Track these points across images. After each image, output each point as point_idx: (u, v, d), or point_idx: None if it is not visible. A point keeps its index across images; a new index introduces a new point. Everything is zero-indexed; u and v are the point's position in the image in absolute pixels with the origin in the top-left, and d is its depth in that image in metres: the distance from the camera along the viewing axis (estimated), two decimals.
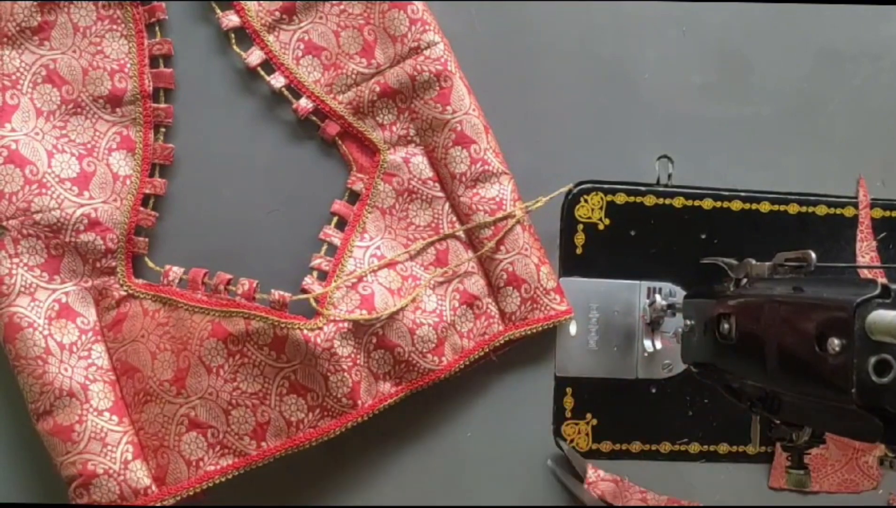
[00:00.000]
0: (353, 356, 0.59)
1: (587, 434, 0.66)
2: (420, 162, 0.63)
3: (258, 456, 0.59)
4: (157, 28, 0.61)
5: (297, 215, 0.63)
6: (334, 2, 0.62)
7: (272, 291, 0.59)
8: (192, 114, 0.62)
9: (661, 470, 0.67)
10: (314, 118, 0.63)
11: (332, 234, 0.62)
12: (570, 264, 0.66)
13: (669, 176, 0.67)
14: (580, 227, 0.65)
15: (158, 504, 0.58)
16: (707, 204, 0.67)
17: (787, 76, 0.68)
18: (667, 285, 0.66)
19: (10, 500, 0.62)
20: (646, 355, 0.66)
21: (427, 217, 0.63)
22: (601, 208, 0.66)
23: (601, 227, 0.66)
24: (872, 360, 0.40)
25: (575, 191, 0.65)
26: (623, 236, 0.66)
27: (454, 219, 0.63)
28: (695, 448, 0.67)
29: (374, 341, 0.60)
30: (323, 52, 0.62)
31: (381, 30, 0.62)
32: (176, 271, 0.61)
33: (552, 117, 0.65)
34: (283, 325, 0.58)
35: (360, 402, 0.59)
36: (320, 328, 0.58)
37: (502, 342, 0.63)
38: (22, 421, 0.60)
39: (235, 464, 0.59)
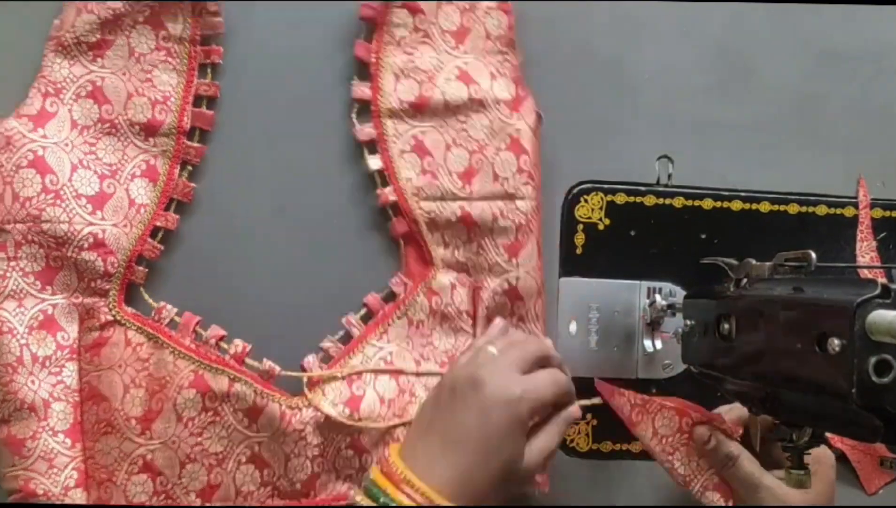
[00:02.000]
0: (321, 446, 0.59)
1: (587, 434, 0.66)
2: (463, 294, 0.63)
3: None
4: (209, 69, 0.62)
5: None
6: (460, 118, 0.62)
7: (264, 359, 0.59)
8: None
9: (661, 470, 0.67)
10: (389, 210, 0.63)
11: (353, 324, 0.62)
12: (570, 264, 0.66)
13: (669, 176, 0.67)
14: (580, 227, 0.65)
15: None
16: (707, 204, 0.67)
17: (787, 76, 0.68)
18: (667, 285, 0.66)
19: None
20: (646, 355, 0.66)
21: (448, 344, 0.62)
22: (601, 208, 0.66)
23: (601, 227, 0.66)
24: (872, 360, 0.40)
25: (575, 191, 0.65)
26: (623, 236, 0.66)
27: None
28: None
29: (348, 440, 0.60)
30: (427, 157, 0.62)
31: (489, 164, 0.62)
32: (169, 310, 0.60)
33: (552, 117, 0.65)
34: (264, 395, 0.58)
35: (312, 493, 0.59)
36: (299, 409, 0.59)
37: None
38: None
39: None
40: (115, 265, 0.59)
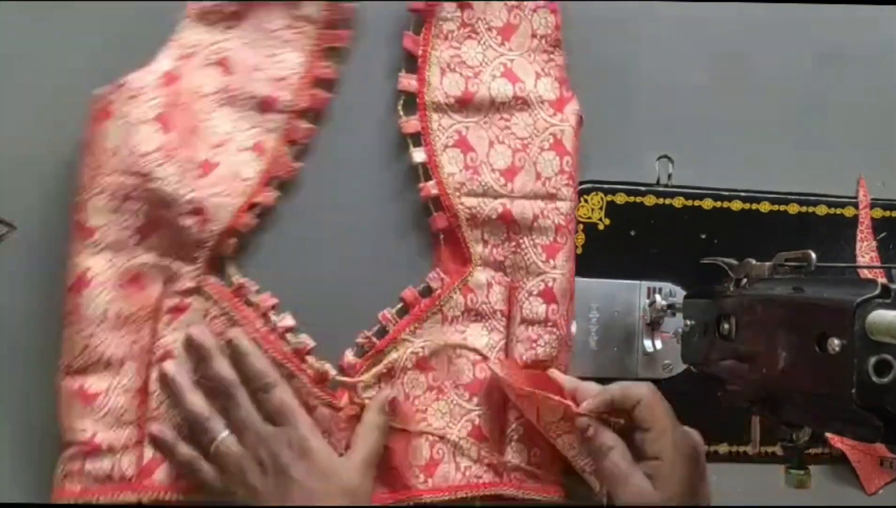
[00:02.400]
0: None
1: None
2: (499, 293, 0.63)
3: None
4: (332, 53, 0.62)
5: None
6: (504, 116, 0.62)
7: (324, 362, 0.60)
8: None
9: None
10: (430, 205, 0.63)
11: (389, 318, 0.62)
12: None
13: (669, 176, 0.67)
14: (580, 227, 0.65)
15: (134, 498, 0.57)
16: (707, 204, 0.67)
17: (787, 76, 0.68)
18: (667, 285, 0.66)
19: (9, 500, 0.62)
20: (646, 355, 0.66)
21: (481, 342, 0.62)
22: (601, 208, 0.66)
23: (601, 227, 0.66)
24: (872, 360, 0.40)
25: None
26: (623, 236, 0.66)
27: (502, 356, 0.62)
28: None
29: None
30: (471, 152, 0.62)
31: (531, 162, 0.62)
32: (249, 287, 0.61)
33: None
34: (315, 398, 0.59)
35: None
36: (342, 410, 0.60)
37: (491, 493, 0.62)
38: (24, 420, 0.60)
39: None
40: (210, 235, 0.59)
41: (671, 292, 0.66)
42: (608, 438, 0.56)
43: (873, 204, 0.69)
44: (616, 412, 0.57)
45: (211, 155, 0.59)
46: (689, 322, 0.59)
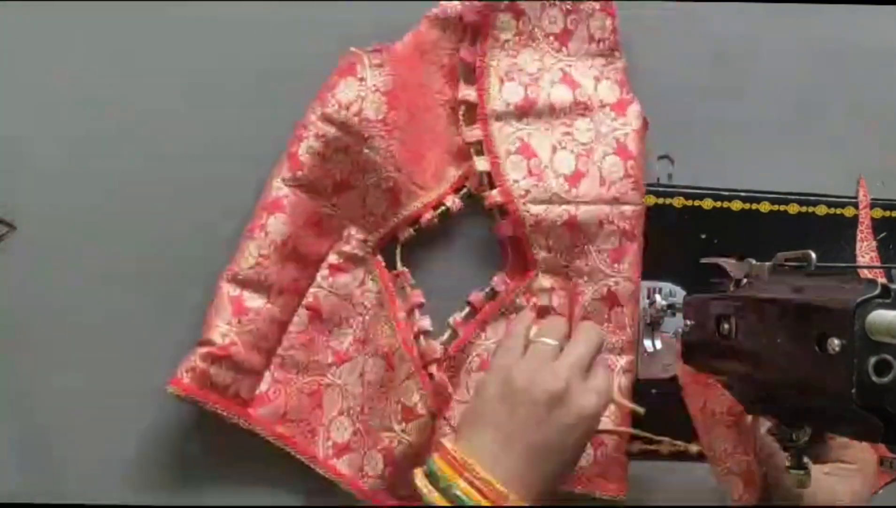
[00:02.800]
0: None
1: None
2: (561, 299, 0.63)
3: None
4: None
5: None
6: (565, 121, 0.62)
7: (443, 376, 0.62)
8: None
9: (661, 470, 0.67)
10: (496, 212, 0.63)
11: (460, 323, 0.63)
12: None
13: (669, 176, 0.67)
14: None
15: (235, 419, 0.59)
16: (707, 204, 0.67)
17: (787, 76, 0.68)
18: (667, 285, 0.66)
19: (9, 500, 0.62)
20: (646, 355, 0.66)
21: None
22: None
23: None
24: (872, 360, 0.40)
25: None
26: None
27: None
28: (695, 447, 0.67)
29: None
30: (534, 158, 0.62)
31: (596, 167, 0.62)
32: (406, 278, 0.63)
33: None
34: (425, 404, 0.61)
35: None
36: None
37: None
38: (24, 420, 0.60)
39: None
40: (393, 216, 0.62)
41: (671, 292, 0.66)
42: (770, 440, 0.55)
43: (873, 204, 0.69)
44: None
45: (422, 145, 0.62)
46: (689, 322, 0.58)
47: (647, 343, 0.65)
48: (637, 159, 0.62)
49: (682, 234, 0.67)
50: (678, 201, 0.67)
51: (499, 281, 0.64)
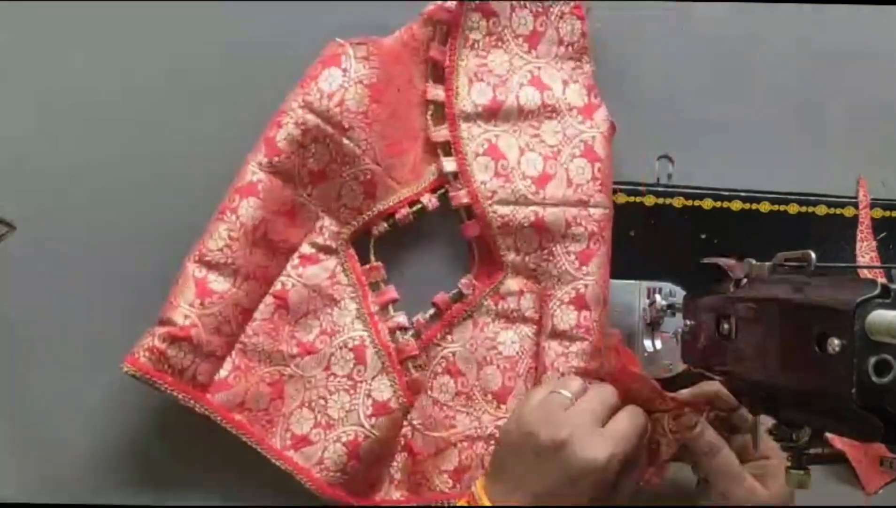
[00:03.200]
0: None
1: None
2: (530, 300, 0.63)
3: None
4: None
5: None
6: (533, 123, 0.62)
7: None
8: None
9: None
10: (462, 212, 0.63)
11: (423, 324, 0.63)
12: None
13: (669, 176, 0.67)
14: None
15: (189, 403, 0.58)
16: (707, 204, 0.67)
17: (787, 76, 0.68)
18: (667, 285, 0.66)
19: (9, 500, 0.62)
20: (646, 355, 0.66)
21: (512, 350, 0.63)
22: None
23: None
24: (872, 360, 0.39)
25: None
26: (623, 236, 0.66)
27: (532, 365, 0.63)
28: None
29: (402, 442, 0.62)
30: (501, 160, 0.62)
31: (564, 170, 0.62)
32: (380, 273, 0.63)
33: None
34: (400, 402, 0.61)
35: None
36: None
37: None
38: (24, 420, 0.60)
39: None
40: (366, 210, 0.62)
41: (671, 292, 0.66)
42: (715, 437, 0.55)
43: (873, 204, 0.69)
44: (714, 407, 0.57)
45: (403, 140, 0.61)
46: (689, 322, 0.58)
47: (647, 343, 0.66)
48: (604, 162, 0.62)
49: (682, 234, 0.67)
50: (678, 201, 0.67)
51: (466, 283, 0.64)
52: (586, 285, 0.61)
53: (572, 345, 0.61)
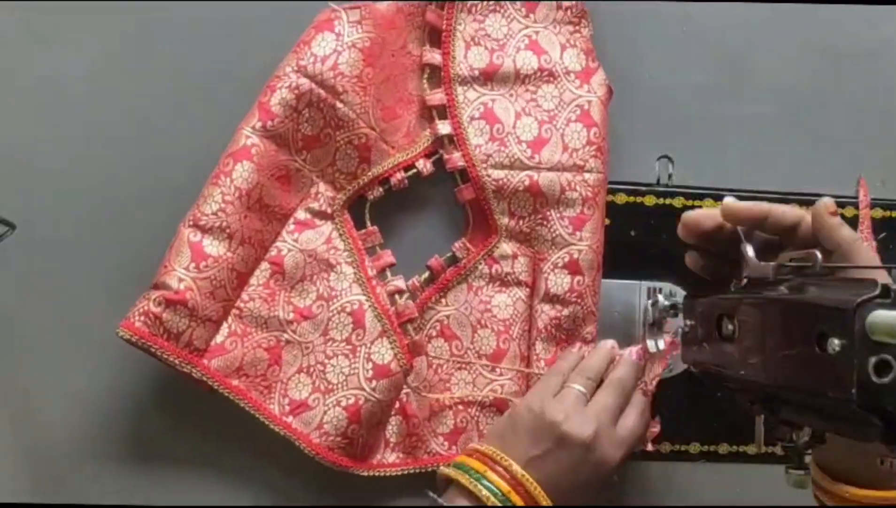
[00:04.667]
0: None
1: None
2: (524, 264, 0.63)
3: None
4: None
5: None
6: (529, 88, 0.62)
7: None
8: None
9: (661, 470, 0.67)
10: (457, 176, 0.63)
11: (418, 286, 0.63)
12: None
13: (669, 176, 0.67)
14: None
15: (185, 368, 0.58)
16: (707, 204, 0.67)
17: (787, 76, 0.68)
18: (667, 286, 0.66)
19: (9, 500, 0.62)
20: (648, 355, 0.65)
21: (506, 313, 0.63)
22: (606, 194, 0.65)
23: (605, 214, 0.65)
24: (872, 360, 0.39)
25: None
26: (623, 236, 0.66)
27: (526, 328, 0.63)
28: (695, 448, 0.67)
29: (397, 405, 0.62)
30: (497, 124, 0.62)
31: (559, 135, 0.62)
32: (377, 237, 0.63)
33: None
34: (402, 364, 0.61)
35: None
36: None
37: None
38: (24, 420, 0.60)
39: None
40: (363, 173, 0.61)
41: (671, 293, 0.66)
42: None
43: (873, 204, 0.69)
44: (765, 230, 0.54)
45: (397, 105, 0.61)
46: (689, 322, 0.58)
47: (651, 343, 0.65)
48: (600, 128, 0.62)
49: None
50: (678, 201, 0.67)
51: (459, 247, 0.64)
52: (580, 250, 0.62)
53: (565, 309, 0.62)
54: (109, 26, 0.63)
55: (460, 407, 0.63)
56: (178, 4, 0.63)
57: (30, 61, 0.62)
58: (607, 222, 0.66)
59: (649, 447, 0.63)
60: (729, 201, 0.54)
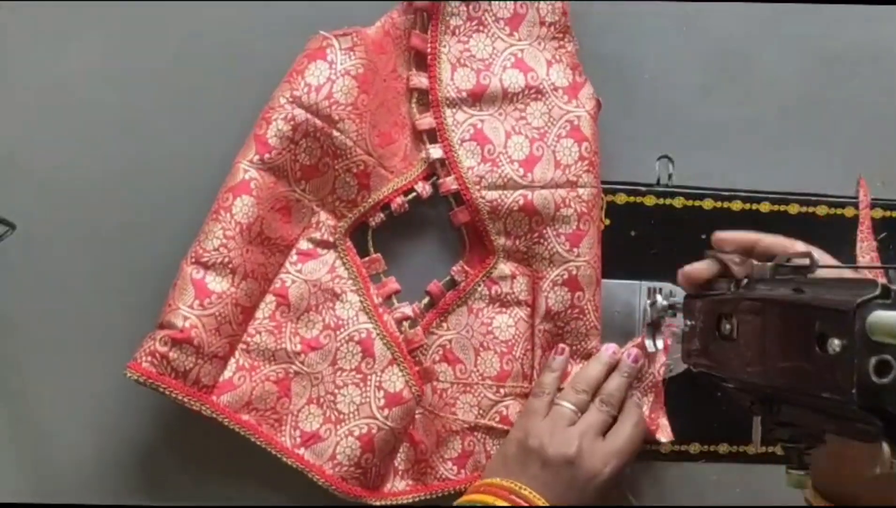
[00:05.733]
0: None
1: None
2: (523, 283, 0.63)
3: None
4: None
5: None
6: (518, 106, 0.62)
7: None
8: None
9: (661, 470, 0.67)
10: (451, 199, 0.63)
11: (418, 313, 0.63)
12: None
13: (669, 176, 0.67)
14: None
15: (195, 406, 0.57)
16: (707, 204, 0.67)
17: (787, 76, 0.68)
18: (667, 286, 0.66)
19: (9, 500, 0.62)
20: (647, 355, 0.65)
21: (508, 334, 0.63)
22: (601, 208, 0.66)
23: (601, 227, 0.66)
24: (872, 360, 0.39)
25: None
26: (623, 236, 0.66)
27: (528, 347, 0.63)
28: (695, 448, 0.67)
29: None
30: (488, 144, 0.62)
31: (551, 151, 0.62)
32: (381, 264, 0.63)
33: None
34: (413, 390, 0.61)
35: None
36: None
37: None
38: (24, 420, 0.60)
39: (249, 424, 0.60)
40: (364, 200, 0.61)
41: (671, 293, 0.66)
42: None
43: (873, 204, 0.69)
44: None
45: (392, 130, 0.61)
46: (689, 322, 0.58)
47: (649, 343, 0.65)
48: (591, 142, 0.62)
49: (682, 234, 0.67)
50: (678, 201, 0.67)
51: (458, 270, 0.64)
52: (578, 267, 0.62)
53: (566, 326, 0.62)
54: (110, 26, 0.63)
55: (467, 430, 0.63)
56: (178, 4, 0.63)
57: (30, 61, 0.62)
58: (607, 222, 0.66)
59: (663, 442, 0.64)
60: (718, 233, 0.58)
